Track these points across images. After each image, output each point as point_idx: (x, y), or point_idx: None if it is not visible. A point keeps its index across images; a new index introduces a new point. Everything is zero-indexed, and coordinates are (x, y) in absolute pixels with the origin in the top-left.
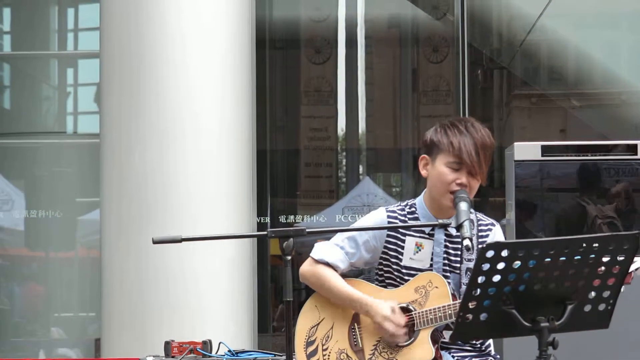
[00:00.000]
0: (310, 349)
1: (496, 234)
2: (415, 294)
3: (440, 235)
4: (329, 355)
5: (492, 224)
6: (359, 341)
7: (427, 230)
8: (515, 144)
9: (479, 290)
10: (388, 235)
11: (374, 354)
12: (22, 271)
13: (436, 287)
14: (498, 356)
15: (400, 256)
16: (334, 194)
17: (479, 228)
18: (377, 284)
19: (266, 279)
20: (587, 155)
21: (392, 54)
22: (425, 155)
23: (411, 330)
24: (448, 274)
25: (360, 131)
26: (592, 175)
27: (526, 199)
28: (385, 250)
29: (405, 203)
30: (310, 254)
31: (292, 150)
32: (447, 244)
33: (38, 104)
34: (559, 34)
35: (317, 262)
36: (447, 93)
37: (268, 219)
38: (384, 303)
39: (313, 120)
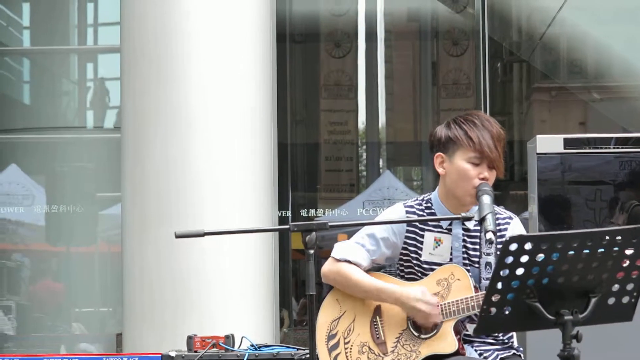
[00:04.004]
0: (332, 342)
1: (515, 227)
2: (437, 286)
3: (458, 229)
4: (350, 349)
5: (510, 218)
6: (381, 334)
7: (444, 225)
8: (538, 136)
9: (502, 284)
10: (407, 231)
11: (396, 346)
12: (43, 266)
13: (458, 280)
14: (521, 349)
15: (419, 251)
16: (355, 187)
17: (497, 222)
18: (399, 278)
19: (288, 273)
20: (609, 148)
21: (411, 47)
22: (440, 153)
23: (435, 323)
24: (467, 268)
25: (380, 125)
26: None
27: (548, 192)
28: (405, 246)
29: (421, 198)
30: (332, 254)
31: (312, 144)
32: (465, 238)
33: (58, 99)
34: (579, 27)
35: (339, 261)
36: (467, 86)
37: (289, 213)
38: (413, 287)
39: (333, 114)
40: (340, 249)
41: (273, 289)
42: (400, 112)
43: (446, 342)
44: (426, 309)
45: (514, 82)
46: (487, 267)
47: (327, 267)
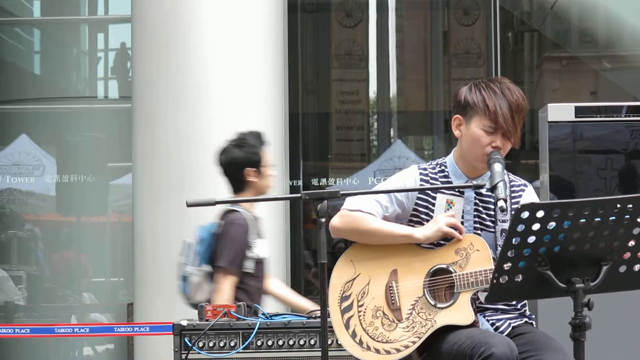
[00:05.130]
0: (345, 304)
1: (529, 195)
2: (455, 255)
3: (470, 193)
4: (364, 312)
5: (525, 185)
6: (397, 299)
7: None
8: (549, 105)
9: (513, 252)
10: (419, 193)
11: (411, 313)
12: (54, 236)
13: (477, 250)
14: (533, 316)
15: (431, 213)
16: (366, 157)
17: (512, 189)
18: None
19: (299, 242)
20: (620, 117)
21: (423, 16)
22: (458, 116)
23: (451, 292)
24: (479, 232)
25: (391, 94)
26: None
27: (559, 160)
28: (416, 207)
29: (435, 162)
30: (343, 207)
31: (323, 114)
32: (477, 201)
33: (69, 69)
34: None
35: (352, 211)
36: (478, 56)
37: (300, 182)
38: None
39: (344, 84)
40: (353, 201)
41: (284, 258)
42: (412, 82)
43: (463, 313)
44: (441, 216)
45: (525, 51)
46: (503, 233)
47: (337, 218)
